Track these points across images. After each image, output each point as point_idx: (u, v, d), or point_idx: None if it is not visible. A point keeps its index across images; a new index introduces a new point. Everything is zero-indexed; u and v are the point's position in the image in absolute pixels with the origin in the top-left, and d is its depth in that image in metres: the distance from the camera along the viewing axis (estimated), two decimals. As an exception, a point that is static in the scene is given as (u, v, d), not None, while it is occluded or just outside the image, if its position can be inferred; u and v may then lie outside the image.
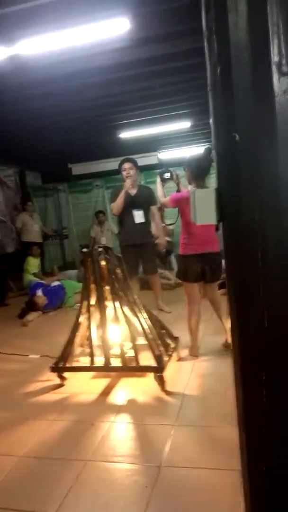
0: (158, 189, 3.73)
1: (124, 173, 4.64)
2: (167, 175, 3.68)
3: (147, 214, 4.72)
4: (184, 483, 1.90)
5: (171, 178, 3.69)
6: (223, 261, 5.80)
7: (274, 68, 0.87)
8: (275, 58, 0.86)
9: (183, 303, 4.41)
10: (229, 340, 3.33)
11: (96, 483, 1.95)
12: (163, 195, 3.69)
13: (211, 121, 0.95)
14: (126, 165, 4.63)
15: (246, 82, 0.88)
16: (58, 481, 1.97)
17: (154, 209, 4.74)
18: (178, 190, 3.56)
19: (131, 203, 4.66)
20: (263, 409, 0.98)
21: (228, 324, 3.26)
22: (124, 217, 4.73)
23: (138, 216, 4.66)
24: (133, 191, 4.69)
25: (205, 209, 0.95)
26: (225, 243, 0.96)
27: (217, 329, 3.59)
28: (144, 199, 4.69)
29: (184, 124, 6.18)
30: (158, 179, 3.74)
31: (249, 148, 0.88)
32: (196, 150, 7.74)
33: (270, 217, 0.90)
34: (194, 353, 3.38)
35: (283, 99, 0.87)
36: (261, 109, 0.88)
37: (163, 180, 3.72)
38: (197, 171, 3.22)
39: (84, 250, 3.27)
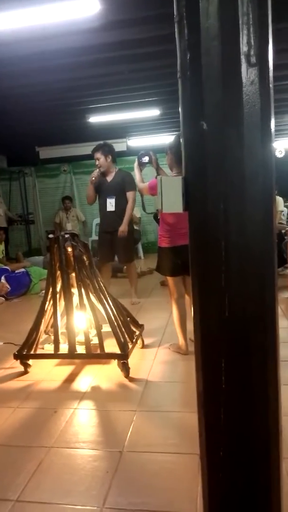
0: (136, 174, 3.47)
1: (96, 163, 4.61)
2: (145, 158, 3.40)
3: (121, 201, 4.60)
4: (145, 467, 1.93)
5: (150, 162, 3.40)
6: None
7: (242, 58, 0.87)
8: (244, 48, 0.87)
9: (149, 291, 4.44)
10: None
11: (58, 470, 1.95)
12: (141, 180, 3.44)
13: (180, 108, 0.95)
14: (96, 155, 4.58)
15: (215, 70, 0.88)
16: (20, 468, 1.96)
17: (129, 194, 4.60)
18: (158, 175, 3.37)
19: (105, 190, 4.61)
20: (221, 394, 1.00)
21: None
22: (99, 204, 4.72)
23: (109, 204, 4.60)
24: (110, 178, 4.64)
25: (171, 197, 0.95)
26: (190, 231, 0.96)
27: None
28: (117, 186, 4.62)
29: (153, 112, 6.14)
30: (136, 163, 3.47)
31: (216, 137, 0.89)
32: (165, 138, 7.74)
33: (234, 207, 0.91)
34: (183, 351, 3.20)
35: (251, 89, 0.87)
36: (229, 98, 0.88)
37: (141, 164, 3.45)
38: (179, 156, 3.09)
39: (50, 236, 3.22)
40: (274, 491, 1.03)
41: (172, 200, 0.95)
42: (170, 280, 3.22)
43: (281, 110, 6.49)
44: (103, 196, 4.66)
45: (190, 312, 3.15)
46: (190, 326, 3.61)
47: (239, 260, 0.91)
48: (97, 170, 4.56)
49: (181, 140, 0.95)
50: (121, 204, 4.61)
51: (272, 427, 1.01)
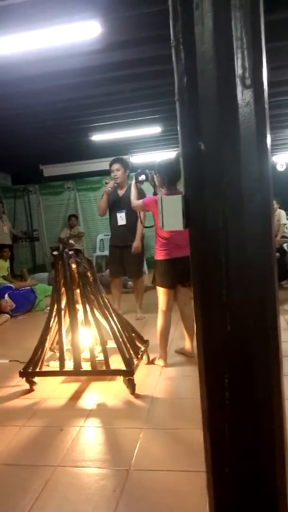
0: (132, 191, 3.61)
1: (112, 174, 4.63)
2: (143, 177, 3.53)
3: (132, 216, 4.54)
4: (152, 486, 1.91)
5: (147, 180, 3.52)
6: None
7: (238, 81, 0.90)
8: (239, 71, 0.90)
9: (153, 306, 4.42)
10: (187, 347, 3.39)
11: (65, 489, 1.93)
12: (135, 197, 3.57)
13: (178, 129, 0.97)
14: (114, 166, 4.59)
15: (211, 93, 0.91)
16: (27, 488, 1.94)
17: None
18: (155, 193, 3.42)
19: (117, 204, 4.62)
20: (225, 410, 1.00)
21: (190, 336, 3.31)
22: (110, 217, 4.73)
23: (120, 218, 4.60)
24: (121, 192, 4.64)
25: (172, 215, 0.98)
26: (191, 248, 0.98)
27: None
28: (128, 200, 4.62)
29: (155, 129, 6.23)
30: (133, 181, 3.61)
31: (213, 157, 0.91)
32: (166, 154, 7.83)
33: (232, 224, 0.93)
34: (162, 363, 3.30)
35: (246, 110, 0.90)
36: (225, 119, 0.91)
37: (139, 182, 3.58)
38: (168, 176, 3.20)
39: (55, 253, 3.25)
40: (280, 506, 1.03)
41: (173, 218, 0.97)
42: (162, 292, 3.29)
43: (281, 125, 6.56)
44: (114, 210, 4.65)
45: (187, 321, 3.15)
46: (173, 331, 3.64)
47: (240, 275, 0.93)
48: (113, 181, 4.58)
49: (180, 159, 0.98)
50: (132, 218, 4.55)
51: (277, 442, 1.00)
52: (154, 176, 3.41)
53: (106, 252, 6.21)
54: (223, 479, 1.00)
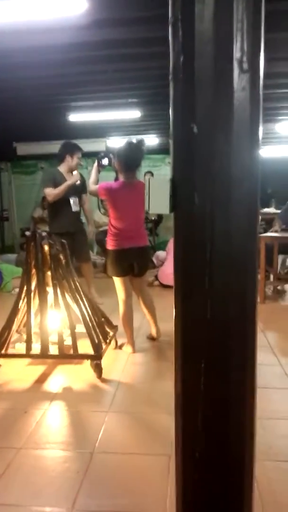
0: (92, 175, 3.42)
1: (77, 160, 4.53)
2: (106, 161, 3.38)
3: (80, 202, 4.66)
4: (115, 468, 1.92)
5: (110, 164, 3.37)
6: (155, 255, 5.78)
7: (235, 64, 0.88)
8: (237, 54, 0.88)
9: (112, 291, 4.41)
10: (153, 333, 3.44)
11: (28, 471, 1.91)
12: (94, 182, 3.38)
13: (170, 110, 0.95)
14: (77, 155, 4.53)
15: (207, 74, 0.89)
16: (-13, 469, 1.91)
17: (85, 197, 4.65)
18: (116, 178, 3.27)
19: (70, 191, 4.51)
20: (200, 395, 1.01)
21: (155, 318, 3.33)
22: (60, 204, 4.52)
23: (74, 203, 4.54)
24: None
25: (158, 198, 0.95)
26: (176, 232, 0.97)
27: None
28: (80, 186, 4.60)
29: (134, 113, 6.14)
30: (95, 164, 3.44)
31: (205, 140, 0.90)
32: (150, 139, 7.76)
33: (220, 210, 0.92)
34: (130, 349, 3.32)
35: (241, 95, 0.89)
36: (220, 103, 0.89)
37: (101, 166, 3.42)
38: (126, 163, 3.10)
39: (27, 233, 3.16)
40: (247, 493, 1.05)
41: (160, 202, 0.95)
42: (117, 280, 3.29)
43: (269, 118, 6.59)
44: (67, 196, 4.50)
45: (147, 307, 3.18)
46: (141, 317, 3.66)
47: (223, 262, 0.92)
48: (77, 173, 4.55)
49: (170, 141, 0.95)
50: (81, 204, 4.68)
51: (247, 430, 1.02)
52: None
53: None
54: (193, 464, 1.01)
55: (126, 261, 3.21)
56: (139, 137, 3.28)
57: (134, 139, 3.22)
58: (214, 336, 0.98)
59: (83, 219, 4.91)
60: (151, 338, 3.53)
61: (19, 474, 1.88)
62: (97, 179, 3.41)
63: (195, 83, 0.90)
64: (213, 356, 0.99)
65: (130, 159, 3.11)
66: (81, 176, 4.70)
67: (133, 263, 3.24)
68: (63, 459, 2.00)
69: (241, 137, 0.89)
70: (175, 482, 1.12)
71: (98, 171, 3.44)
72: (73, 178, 4.50)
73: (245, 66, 0.88)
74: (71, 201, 4.52)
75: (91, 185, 3.40)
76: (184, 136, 0.92)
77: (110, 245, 3.25)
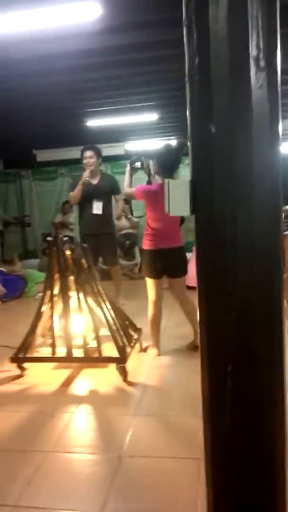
0: (126, 178, 3.50)
1: (84, 161, 4.57)
2: (138, 164, 3.43)
3: (108, 205, 4.63)
4: (143, 472, 1.92)
5: (142, 168, 3.43)
6: (189, 255, 5.77)
7: (251, 62, 0.87)
8: (253, 52, 0.87)
9: (145, 294, 4.43)
10: (196, 342, 3.30)
11: (56, 475, 1.93)
12: (129, 184, 3.47)
13: (187, 112, 0.95)
14: (87, 153, 4.55)
15: (224, 74, 0.89)
16: (18, 473, 1.94)
17: (119, 197, 4.65)
18: (149, 181, 3.36)
19: (92, 193, 4.56)
20: (227, 398, 0.99)
21: (196, 326, 3.24)
22: (83, 206, 4.64)
23: (96, 207, 4.57)
24: (95, 181, 4.60)
25: (178, 200, 0.95)
26: (197, 234, 0.96)
27: (179, 321, 3.61)
28: (105, 189, 4.62)
29: (152, 116, 6.15)
30: (128, 167, 3.50)
31: (224, 141, 0.89)
32: (162, 142, 7.74)
33: (241, 211, 0.91)
34: (155, 352, 3.30)
35: (259, 93, 0.87)
36: (238, 102, 0.88)
37: (133, 169, 3.48)
38: (165, 165, 3.13)
39: (49, 238, 3.21)
40: (280, 497, 1.03)
41: (179, 203, 0.95)
42: (149, 282, 3.28)
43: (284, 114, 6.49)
44: (89, 198, 4.57)
45: (186, 313, 3.14)
46: (166, 320, 3.63)
47: (246, 263, 0.91)
48: (88, 171, 4.54)
49: (188, 143, 0.95)
50: (108, 207, 4.64)
51: (279, 432, 1.00)
52: (150, 164, 3.35)
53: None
54: (223, 469, 1.00)
55: (162, 262, 3.20)
56: (181, 140, 3.28)
57: (174, 142, 3.25)
58: (240, 337, 0.97)
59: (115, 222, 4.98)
60: (193, 347, 3.24)
61: (48, 478, 1.90)
62: (131, 182, 3.47)
63: (211, 83, 0.90)
64: (239, 358, 0.98)
65: (168, 162, 3.13)
66: (109, 177, 4.73)
67: (168, 263, 3.22)
68: (91, 463, 2.01)
69: (260, 135, 0.88)
70: (205, 487, 1.11)
71: (131, 174, 3.49)
72: (82, 179, 4.56)
73: (262, 63, 0.87)
74: (94, 204, 4.56)
75: (126, 188, 3.49)
76: (202, 137, 0.91)
77: (146, 245, 3.27)
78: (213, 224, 0.93)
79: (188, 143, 0.96)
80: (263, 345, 0.95)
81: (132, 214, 4.07)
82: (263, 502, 1.00)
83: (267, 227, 0.91)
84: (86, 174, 4.54)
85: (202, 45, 0.90)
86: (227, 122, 0.88)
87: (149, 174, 3.39)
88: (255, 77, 0.87)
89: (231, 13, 0.88)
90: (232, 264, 0.93)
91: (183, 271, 3.34)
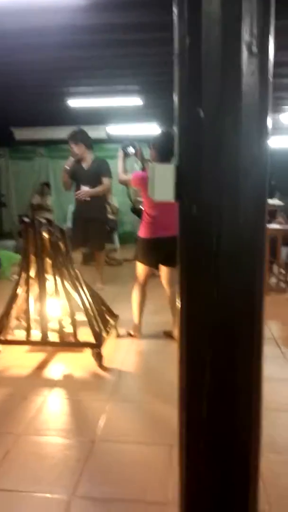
0: (119, 165, 3.43)
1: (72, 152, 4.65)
2: (131, 149, 3.38)
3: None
4: (116, 457, 1.93)
5: (135, 153, 3.39)
6: None
7: (244, 47, 0.85)
8: (246, 36, 0.85)
9: (126, 280, 4.43)
10: (173, 332, 3.24)
11: (27, 458, 1.92)
12: (123, 171, 3.40)
13: (175, 94, 0.92)
14: (69, 144, 4.62)
15: (215, 57, 0.86)
16: (-13, 456, 1.91)
17: (104, 180, 4.60)
18: (143, 168, 3.31)
19: (81, 178, 4.62)
20: (205, 388, 0.99)
21: (176, 315, 3.21)
22: (75, 191, 4.73)
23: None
24: (86, 165, 4.64)
25: (163, 185, 0.93)
26: (180, 220, 0.95)
27: (158, 309, 3.62)
28: (93, 174, 4.62)
29: (135, 100, 6.05)
30: (120, 153, 3.44)
31: (212, 126, 0.87)
32: (145, 127, 7.66)
33: (228, 199, 0.90)
34: (135, 334, 3.34)
35: (251, 80, 0.86)
36: (228, 87, 0.86)
37: (126, 155, 3.43)
38: (162, 152, 3.06)
39: (26, 219, 3.13)
40: (252, 485, 1.04)
41: (164, 189, 0.93)
42: (141, 267, 3.29)
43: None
44: (78, 183, 4.67)
45: (170, 303, 3.14)
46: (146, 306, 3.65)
47: (230, 249, 0.90)
48: (71, 159, 4.60)
49: (174, 128, 0.93)
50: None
51: (254, 422, 1.01)
52: (146, 150, 3.28)
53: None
54: (197, 457, 1.00)
55: (157, 250, 3.17)
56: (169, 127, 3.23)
57: (170, 128, 3.18)
58: (221, 324, 0.97)
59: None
60: (168, 335, 3.30)
61: (18, 461, 1.89)
62: (125, 168, 3.40)
63: (201, 66, 0.87)
64: (220, 345, 0.97)
65: (166, 149, 3.05)
66: (98, 162, 4.69)
67: (163, 251, 3.16)
68: (64, 447, 2.01)
69: (249, 122, 0.86)
70: (178, 473, 1.11)
71: (124, 160, 3.43)
72: (65, 164, 4.64)
73: (254, 49, 0.85)
74: (82, 189, 4.60)
75: (121, 175, 3.40)
76: (190, 121, 0.89)
77: (143, 233, 3.23)
78: (198, 210, 0.91)
79: (174, 128, 0.93)
80: (244, 333, 0.95)
81: (130, 201, 4.05)
82: (236, 491, 1.01)
83: (252, 220, 0.90)
84: (67, 163, 4.62)
85: (193, 25, 0.87)
86: (216, 107, 0.86)
87: (142, 160, 3.31)
88: (247, 63, 0.85)
89: (225, -7, 0.85)
90: (216, 250, 0.92)
91: (175, 262, 3.29)
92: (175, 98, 0.94)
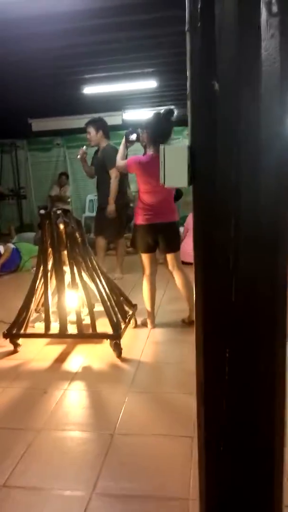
0: (120, 151, 3.38)
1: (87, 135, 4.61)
2: (133, 136, 3.31)
3: (103, 178, 4.54)
4: (136, 451, 1.88)
5: (138, 140, 3.32)
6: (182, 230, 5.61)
7: (262, 6, 0.75)
8: (264, -6, 0.74)
9: (134, 266, 4.36)
10: (191, 317, 3.26)
11: (47, 453, 1.89)
12: (122, 157, 3.34)
13: (187, 66, 0.83)
14: (87, 128, 4.57)
15: (230, 20, 0.76)
16: (8, 451, 1.90)
17: (111, 172, 4.48)
18: (145, 153, 3.23)
19: (95, 167, 4.61)
20: (224, 385, 0.92)
21: (191, 301, 3.17)
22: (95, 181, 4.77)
23: (98, 181, 4.65)
24: (99, 154, 4.60)
25: (175, 169, 0.84)
26: (195, 207, 0.86)
27: (174, 297, 3.55)
28: (99, 163, 4.57)
29: (150, 84, 5.90)
30: (123, 140, 3.39)
31: (229, 99, 0.78)
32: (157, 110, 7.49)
33: (246, 181, 0.81)
34: (150, 325, 3.29)
35: (271, 44, 0.76)
36: (245, 54, 0.77)
37: (129, 142, 3.35)
38: (156, 134, 3.00)
39: (42, 212, 3.09)
40: (276, 484, 0.97)
41: (176, 173, 0.84)
42: (143, 256, 3.22)
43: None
44: (95, 172, 4.67)
45: (181, 288, 3.07)
46: (161, 295, 3.58)
47: (249, 239, 0.82)
48: (84, 147, 4.58)
49: (188, 103, 0.84)
50: (103, 181, 4.55)
51: (276, 420, 0.93)
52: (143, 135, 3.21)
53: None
54: (217, 454, 0.94)
55: (154, 236, 3.13)
56: (168, 107, 3.14)
57: (162, 110, 3.09)
58: (240, 319, 0.89)
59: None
60: (187, 323, 3.26)
61: (38, 456, 1.87)
62: (125, 155, 3.33)
63: (215, 32, 0.78)
64: (239, 343, 0.90)
65: (159, 131, 2.99)
66: (103, 153, 4.57)
67: (161, 238, 3.13)
68: (83, 441, 1.98)
69: (270, 92, 0.76)
70: (198, 469, 1.05)
71: (126, 147, 3.37)
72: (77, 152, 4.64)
73: (274, 8, 0.75)
74: (96, 178, 4.63)
75: (119, 161, 3.34)
76: (204, 95, 0.80)
77: (139, 220, 3.17)
78: (214, 196, 0.82)
79: (188, 103, 0.84)
80: (265, 329, 0.86)
81: (129, 188, 4.00)
82: (259, 484, 0.94)
83: (274, 199, 0.81)
84: (79, 151, 4.58)
85: (205, -14, 0.77)
86: (233, 77, 0.77)
87: (145, 146, 3.25)
88: (266, 25, 0.75)
89: None
90: (234, 240, 0.83)
91: (176, 247, 3.26)
92: (188, 70, 0.85)
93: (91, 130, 4.51)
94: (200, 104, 0.81)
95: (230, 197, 0.80)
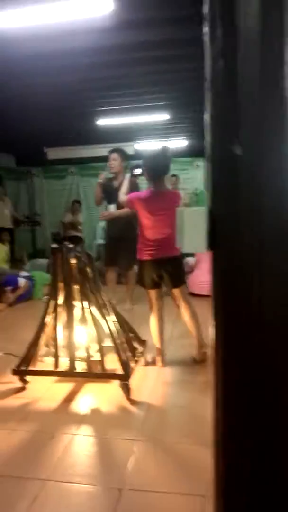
0: (124, 184, 3.45)
1: (108, 163, 4.59)
2: (138, 170, 3.38)
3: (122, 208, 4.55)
4: (144, 509, 1.76)
5: (142, 174, 3.32)
6: (187, 263, 5.51)
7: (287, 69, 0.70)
8: (290, 56, 0.70)
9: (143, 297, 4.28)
10: (200, 354, 3.17)
11: (54, 506, 1.79)
12: (125, 192, 3.39)
13: (208, 128, 0.78)
14: (113, 155, 4.55)
15: (254, 82, 0.72)
16: (14, 503, 1.80)
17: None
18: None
19: (110, 196, 4.54)
20: (248, 441, 0.83)
21: (199, 337, 3.08)
22: (107, 208, 4.67)
23: (111, 210, 4.53)
24: (116, 183, 4.54)
25: (194, 233, 0.79)
26: (214, 277, 0.80)
27: (184, 330, 3.44)
28: (115, 192, 4.51)
29: (162, 116, 5.98)
30: (128, 175, 3.48)
31: (252, 164, 0.72)
32: (179, 142, 7.55)
33: (271, 249, 0.74)
34: (159, 363, 3.18)
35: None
36: (271, 116, 0.71)
37: (134, 176, 3.45)
38: (153, 170, 3.02)
39: (54, 245, 3.06)
40: None
41: (195, 237, 0.78)
42: (150, 293, 3.17)
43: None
44: (109, 201, 4.61)
45: (188, 324, 2.96)
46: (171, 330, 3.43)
47: (276, 316, 0.74)
48: (106, 172, 4.60)
49: (208, 165, 0.79)
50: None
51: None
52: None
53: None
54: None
55: (159, 271, 3.08)
56: (164, 144, 3.16)
57: (159, 146, 3.12)
58: (261, 376, 0.80)
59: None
60: (198, 361, 3.19)
61: (45, 509, 1.76)
62: (127, 190, 3.34)
63: (237, 92, 0.73)
64: (262, 395, 0.80)
65: (156, 168, 3.02)
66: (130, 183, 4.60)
67: (166, 273, 3.08)
68: (91, 495, 1.87)
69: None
70: None
71: (131, 182, 3.38)
72: (100, 176, 4.64)
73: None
74: (110, 207, 4.53)
75: (121, 196, 3.35)
76: (225, 159, 0.74)
77: (143, 255, 3.12)
78: (235, 265, 0.76)
79: (207, 165, 0.79)
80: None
81: None
82: None
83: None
84: (100, 176, 4.60)
85: (228, 46, 0.73)
86: (257, 141, 0.71)
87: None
88: (292, 87, 0.70)
89: (264, 7, 0.71)
90: (259, 318, 0.76)
91: (181, 282, 3.20)
92: (208, 132, 0.80)
93: (117, 158, 4.50)
94: (221, 168, 0.75)
95: (253, 267, 0.74)
